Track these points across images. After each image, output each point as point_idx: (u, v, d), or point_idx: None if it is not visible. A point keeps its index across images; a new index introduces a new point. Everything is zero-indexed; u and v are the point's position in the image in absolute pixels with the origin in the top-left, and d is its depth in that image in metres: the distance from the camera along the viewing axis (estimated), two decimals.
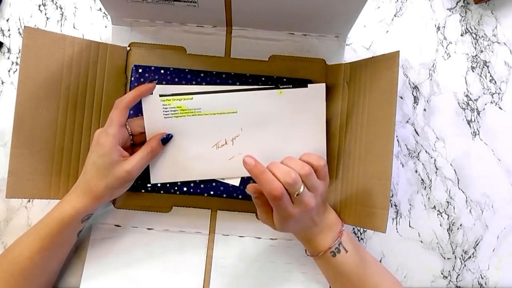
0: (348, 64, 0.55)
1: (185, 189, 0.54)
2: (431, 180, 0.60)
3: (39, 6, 0.61)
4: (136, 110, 0.54)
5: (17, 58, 0.60)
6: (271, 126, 0.53)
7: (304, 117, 0.53)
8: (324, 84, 0.52)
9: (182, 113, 0.52)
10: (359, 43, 0.61)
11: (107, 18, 0.61)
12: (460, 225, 0.59)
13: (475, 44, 0.62)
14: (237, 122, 0.52)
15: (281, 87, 0.52)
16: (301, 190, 0.44)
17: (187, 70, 0.55)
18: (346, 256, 0.48)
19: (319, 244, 0.48)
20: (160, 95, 0.51)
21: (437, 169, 0.60)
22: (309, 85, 0.52)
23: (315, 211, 0.47)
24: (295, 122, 0.53)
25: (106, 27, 0.61)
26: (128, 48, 0.57)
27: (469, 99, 0.61)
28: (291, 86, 0.52)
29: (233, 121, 0.52)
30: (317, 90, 0.52)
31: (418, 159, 0.60)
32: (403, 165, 0.60)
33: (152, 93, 0.51)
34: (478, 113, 0.61)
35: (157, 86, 0.52)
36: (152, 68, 0.55)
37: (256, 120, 0.52)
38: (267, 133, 0.53)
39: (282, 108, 0.52)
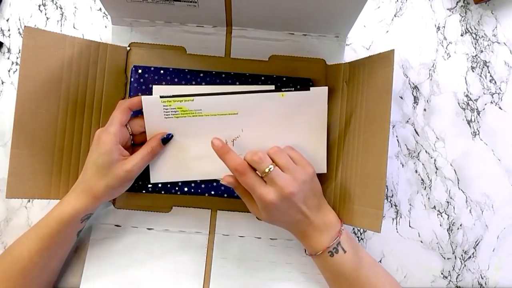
0: (347, 64, 0.55)
1: (186, 189, 0.54)
2: (431, 180, 0.60)
3: (39, 6, 0.61)
4: (137, 111, 0.54)
5: (17, 58, 0.60)
6: (272, 127, 0.53)
7: (305, 119, 0.53)
8: (326, 88, 0.52)
9: (182, 113, 0.52)
10: (359, 43, 0.61)
11: (107, 18, 0.61)
12: (460, 225, 0.59)
13: (475, 44, 0.62)
14: (238, 123, 0.52)
15: (283, 90, 0.52)
16: (271, 168, 0.46)
17: (187, 70, 0.55)
18: (344, 256, 0.48)
19: (317, 243, 0.48)
20: (161, 96, 0.51)
21: (437, 169, 0.60)
22: (311, 88, 0.52)
23: (299, 199, 0.46)
24: (296, 124, 0.53)
25: (106, 27, 0.61)
26: (128, 48, 0.57)
27: (469, 99, 0.61)
28: (293, 88, 0.52)
29: (234, 122, 0.52)
30: (320, 93, 0.52)
31: (418, 159, 0.60)
32: (403, 165, 0.60)
33: (152, 94, 0.51)
34: (478, 113, 0.61)
35: (157, 87, 0.52)
36: (152, 68, 0.55)
37: (257, 121, 0.52)
38: (268, 134, 0.53)
39: (284, 110, 0.52)
